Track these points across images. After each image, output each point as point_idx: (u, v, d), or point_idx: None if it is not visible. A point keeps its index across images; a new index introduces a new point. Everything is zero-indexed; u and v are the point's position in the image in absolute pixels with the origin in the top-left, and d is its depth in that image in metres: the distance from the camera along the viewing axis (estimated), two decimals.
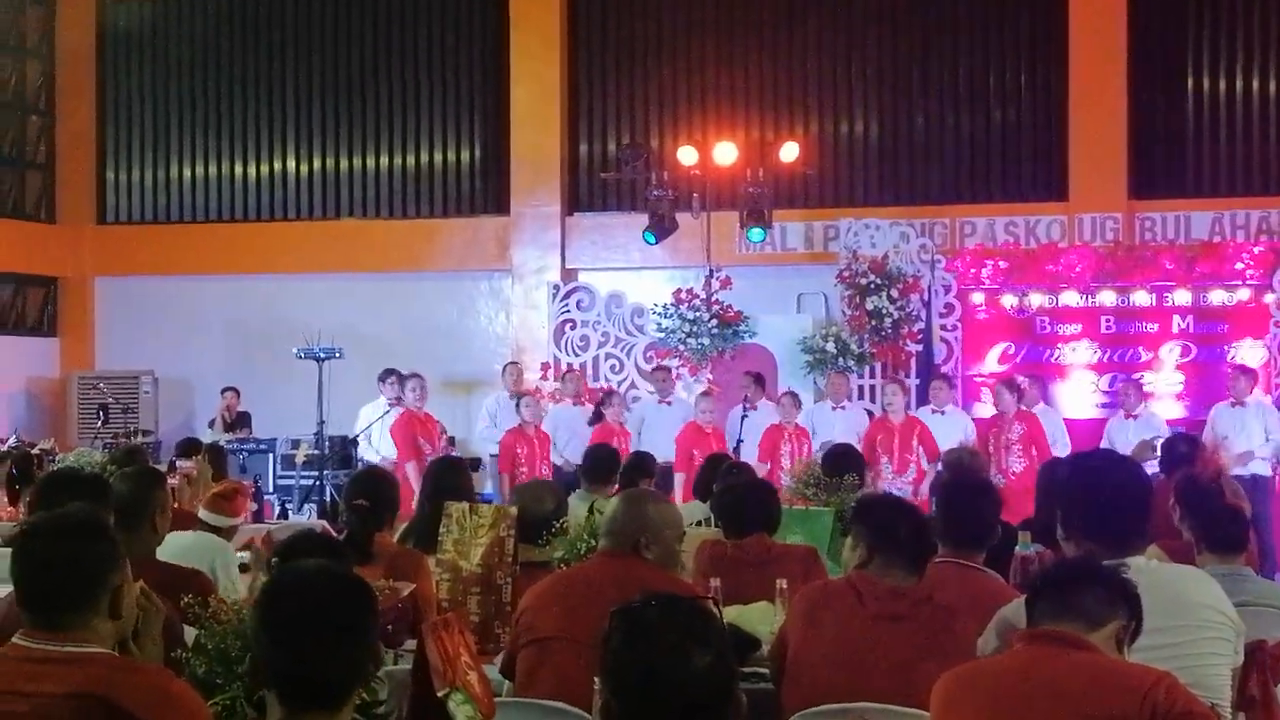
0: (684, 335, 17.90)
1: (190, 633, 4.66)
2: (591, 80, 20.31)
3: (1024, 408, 15.63)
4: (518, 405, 16.28)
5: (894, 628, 5.13)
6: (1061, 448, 14.92)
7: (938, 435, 15.02)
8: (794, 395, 16.17)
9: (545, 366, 18.70)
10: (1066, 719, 3.82)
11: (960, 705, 3.97)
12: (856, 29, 19.71)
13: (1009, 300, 17.86)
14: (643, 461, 10.49)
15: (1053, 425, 15.66)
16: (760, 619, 6.38)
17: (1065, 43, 18.79)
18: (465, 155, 20.62)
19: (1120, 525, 4.71)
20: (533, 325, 19.59)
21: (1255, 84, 18.74)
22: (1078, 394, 17.56)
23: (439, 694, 4.23)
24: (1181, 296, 17.40)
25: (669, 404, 16.90)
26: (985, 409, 16.56)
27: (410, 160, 20.74)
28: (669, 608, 3.17)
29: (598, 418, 16.07)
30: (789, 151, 18.09)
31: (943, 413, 15.74)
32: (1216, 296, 17.34)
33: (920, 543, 5.26)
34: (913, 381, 17.39)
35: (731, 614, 6.18)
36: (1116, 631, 4.03)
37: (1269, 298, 17.11)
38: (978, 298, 18.00)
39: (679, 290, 18.16)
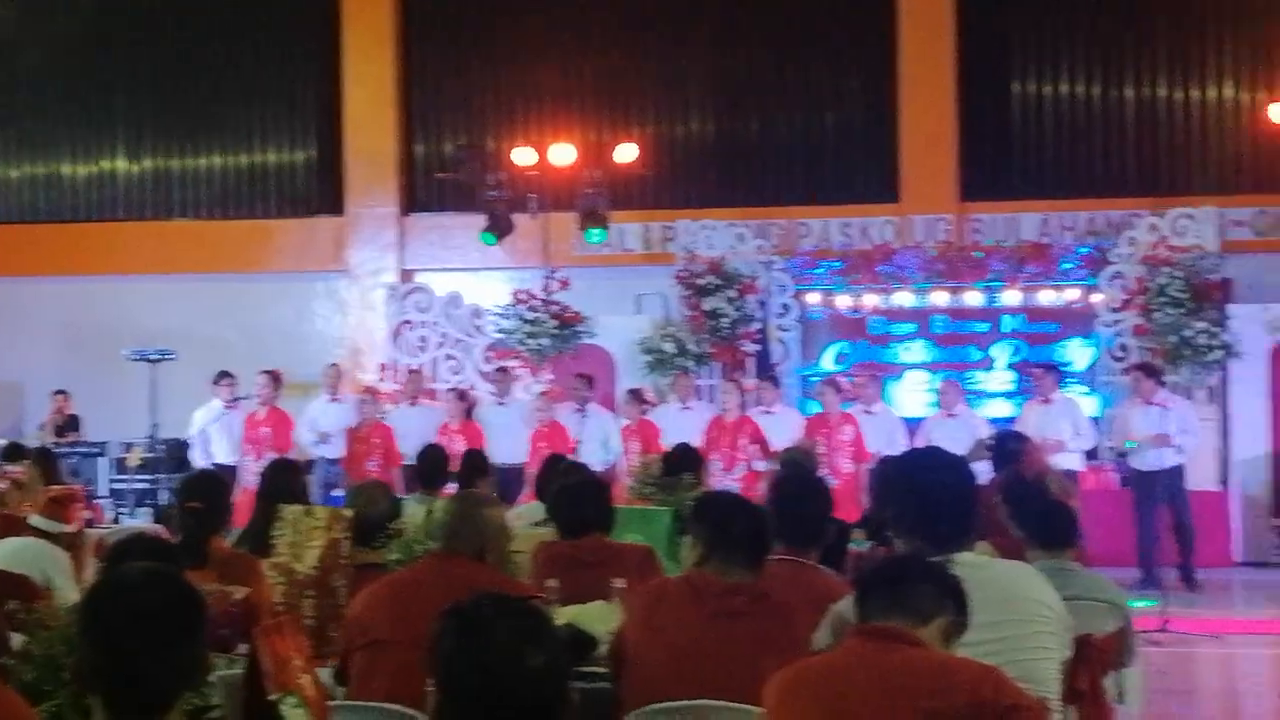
0: (523, 336, 17.88)
1: (18, 638, 4.57)
2: (426, 80, 20.22)
3: (864, 407, 15.85)
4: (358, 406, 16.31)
5: (731, 625, 5.15)
6: (899, 447, 15.11)
7: (769, 434, 15.17)
8: (636, 393, 16.25)
9: (383, 367, 18.57)
10: (897, 713, 3.84)
11: (793, 702, 4.00)
12: (692, 31, 19.81)
13: (844, 300, 18.06)
14: (479, 461, 10.44)
15: (890, 425, 15.86)
16: (598, 618, 6.38)
17: (895, 47, 19.03)
18: (300, 155, 20.42)
19: (947, 522, 4.77)
20: (370, 326, 19.46)
21: (1080, 88, 19.14)
22: (911, 393, 17.81)
23: (271, 698, 4.18)
24: (1011, 296, 17.72)
25: (505, 405, 16.90)
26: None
27: (244, 160, 20.49)
28: (501, 608, 3.16)
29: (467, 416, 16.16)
30: (626, 153, 18.12)
31: (772, 412, 15.90)
32: (1045, 296, 17.68)
33: (757, 541, 5.29)
34: (751, 381, 17.52)
35: (569, 614, 6.18)
36: (944, 627, 4.08)
37: (1096, 297, 17.47)
38: (813, 298, 18.18)
39: (518, 291, 18.15)
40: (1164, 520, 14.98)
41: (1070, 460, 15.45)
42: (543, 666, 3.09)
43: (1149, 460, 14.97)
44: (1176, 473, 15.04)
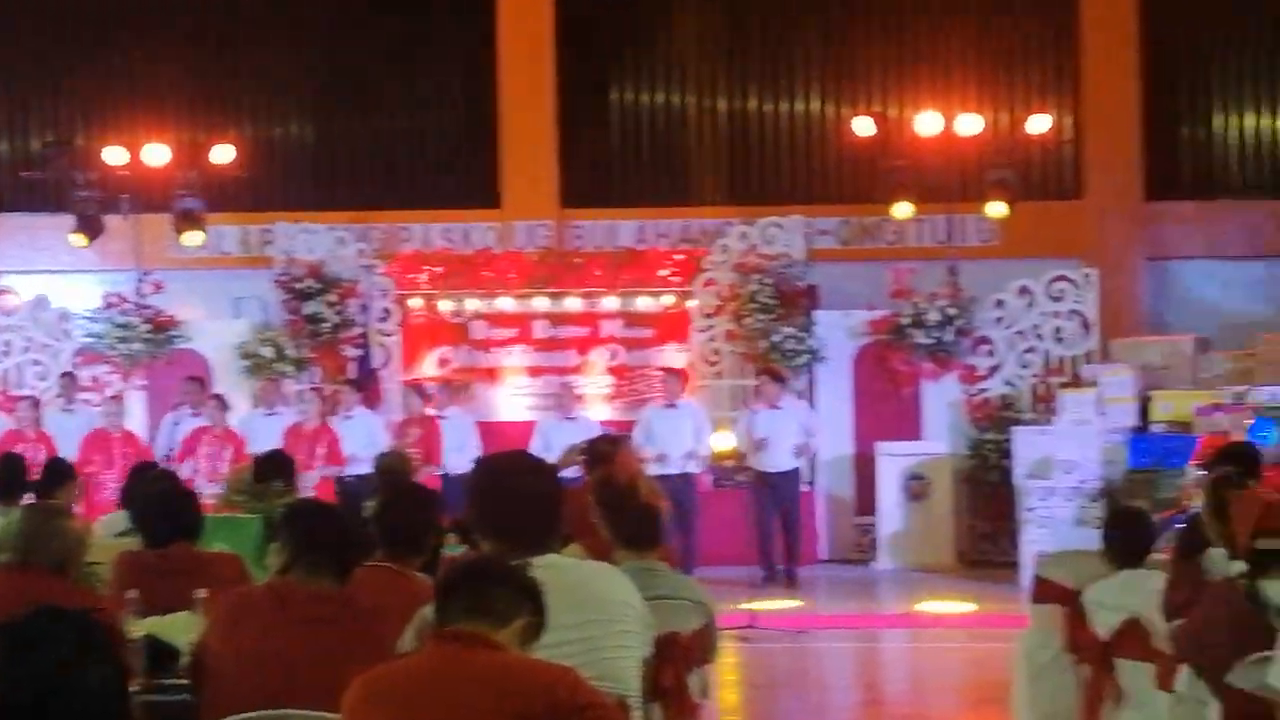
0: (114, 340, 17.36)
1: None
2: (12, 74, 19.41)
3: (433, 412, 15.97)
4: None
5: (316, 632, 5.10)
6: (472, 451, 15.19)
7: (348, 438, 15.14)
8: (219, 399, 15.97)
9: None
10: (474, 717, 3.87)
11: (371, 707, 3.97)
12: (291, 30, 19.56)
13: (446, 305, 18.09)
14: (62, 469, 10.10)
15: (463, 429, 16.00)
16: (183, 629, 6.23)
17: (495, 52, 19.14)
18: None
19: (526, 524, 4.80)
20: None
21: (676, 98, 19.58)
22: (511, 398, 17.95)
23: None
24: (610, 302, 18.03)
25: (73, 410, 16.46)
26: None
27: None
28: (56, 621, 3.06)
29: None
30: (222, 153, 17.76)
31: (350, 417, 15.87)
32: (643, 302, 18.04)
33: (343, 548, 5.25)
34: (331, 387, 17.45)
35: (151, 625, 6.03)
36: (523, 629, 4.11)
37: (691, 304, 17.91)
38: (415, 302, 18.16)
39: (109, 294, 17.61)
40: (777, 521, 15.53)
41: (691, 463, 15.82)
42: (99, 681, 3.01)
43: (769, 462, 15.46)
44: (794, 475, 15.57)
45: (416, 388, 16.16)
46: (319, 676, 4.92)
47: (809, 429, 15.80)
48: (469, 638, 4.00)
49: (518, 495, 4.86)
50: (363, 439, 15.42)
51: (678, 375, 16.55)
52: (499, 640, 4.04)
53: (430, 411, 16.10)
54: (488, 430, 16.77)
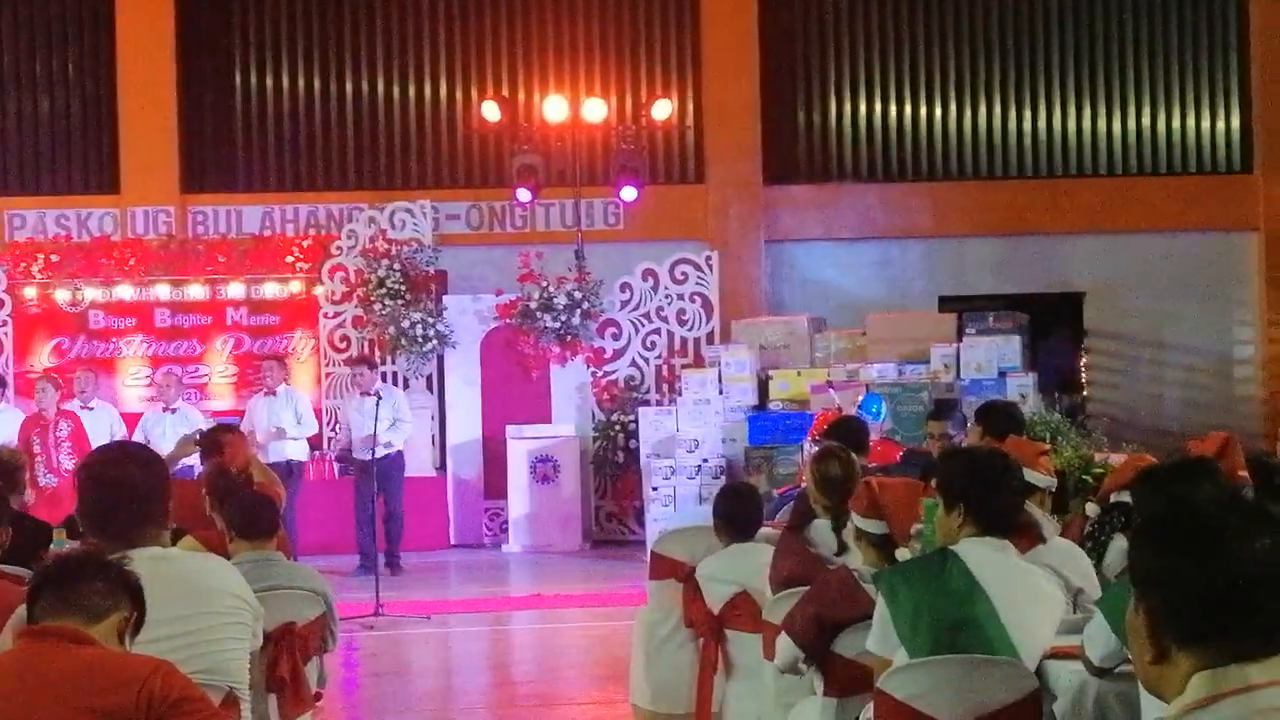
0: None
1: None
2: None
3: (73, 405, 15.42)
4: None
5: None
6: None
7: None
8: None
9: None
10: (64, 714, 3.78)
11: None
12: None
13: (62, 294, 17.55)
14: None
15: (109, 419, 15.52)
16: None
17: (113, 34, 18.62)
18: None
19: (123, 517, 4.73)
20: None
21: (302, 81, 19.35)
22: (131, 388, 17.52)
23: None
24: (235, 289, 17.73)
25: None
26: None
27: None
28: None
29: None
30: None
31: None
32: (269, 289, 17.79)
33: None
34: None
35: None
36: (119, 624, 4.03)
37: (319, 290, 17.74)
38: (30, 292, 17.56)
39: None
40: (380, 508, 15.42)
41: (295, 450, 15.63)
42: None
43: (366, 449, 15.32)
44: (393, 461, 15.48)
45: (52, 380, 15.51)
46: None
47: (399, 415, 15.64)
48: (57, 633, 3.91)
49: (114, 486, 4.77)
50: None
51: (278, 361, 16.28)
52: (91, 635, 3.95)
53: (68, 406, 15.47)
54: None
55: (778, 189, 19.55)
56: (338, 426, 16.74)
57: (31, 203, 18.39)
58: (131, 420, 16.22)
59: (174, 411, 15.53)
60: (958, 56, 19.92)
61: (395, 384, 16.96)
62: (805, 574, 6.34)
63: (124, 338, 17.69)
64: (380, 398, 14.50)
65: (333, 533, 15.66)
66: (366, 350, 17.06)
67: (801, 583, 6.23)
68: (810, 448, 12.19)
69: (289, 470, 15.21)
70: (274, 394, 15.70)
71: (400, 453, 15.56)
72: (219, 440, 8.42)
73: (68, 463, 14.73)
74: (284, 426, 15.46)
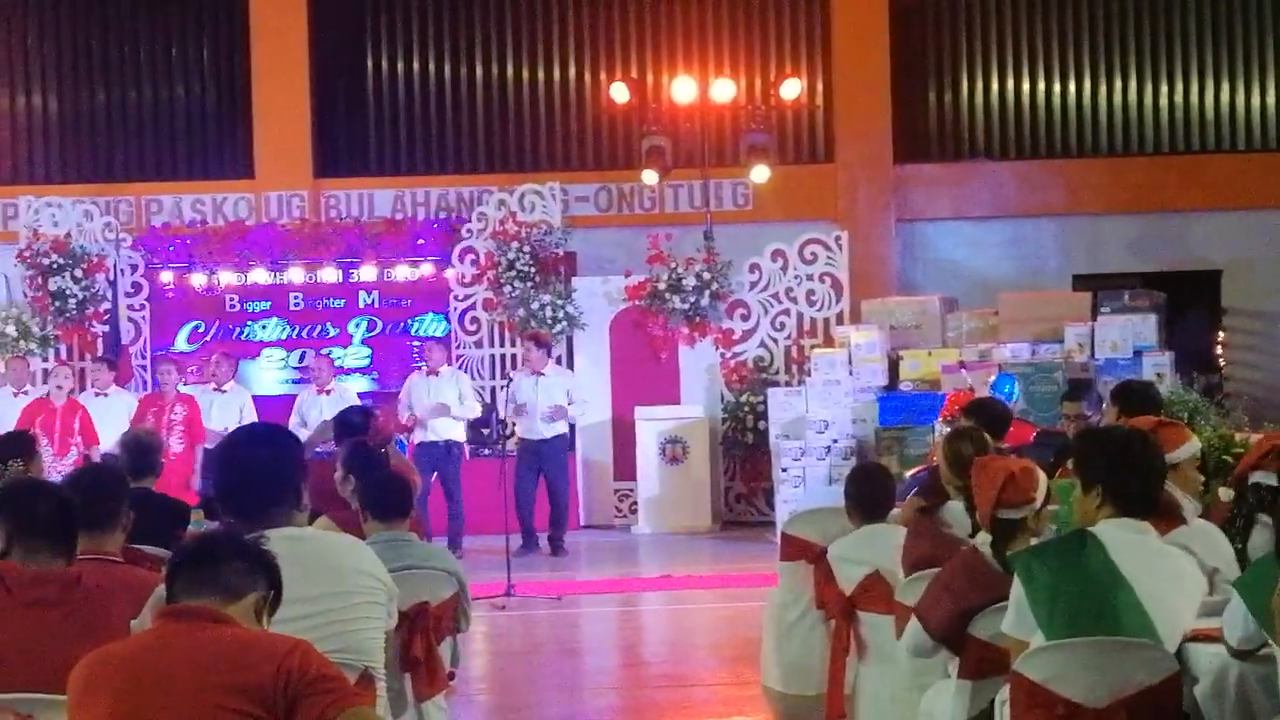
0: None
1: None
2: None
3: (216, 386, 15.67)
4: None
5: (44, 613, 5.00)
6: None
7: (101, 417, 14.77)
8: None
9: None
10: (203, 692, 3.82)
11: (97, 687, 3.91)
12: (32, 2, 19.05)
13: (198, 279, 17.80)
14: None
15: (240, 402, 15.72)
16: None
17: (247, 20, 18.85)
18: None
19: (258, 498, 4.77)
20: None
21: (433, 65, 19.48)
22: (267, 371, 17.74)
23: None
24: (367, 273, 17.88)
25: None
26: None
27: None
28: None
29: None
30: None
31: (105, 395, 15.51)
32: (400, 272, 17.92)
33: (62, 527, 5.14)
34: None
35: None
36: (256, 603, 4.07)
37: (449, 272, 17.85)
38: (166, 276, 17.84)
39: None
40: (541, 488, 15.50)
41: (454, 430, 15.73)
42: None
43: (531, 428, 15.43)
44: (559, 442, 15.58)
45: (175, 363, 15.81)
46: (48, 659, 4.83)
47: (571, 395, 15.78)
48: (196, 613, 3.95)
49: (250, 467, 4.83)
50: (119, 417, 14.99)
51: (440, 343, 16.46)
52: (229, 615, 4.00)
53: (185, 389, 15.73)
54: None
55: (908, 167, 19.39)
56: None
57: (169, 189, 18.67)
58: (265, 403, 16.42)
59: (329, 393, 15.72)
60: (1091, 31, 19.64)
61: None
62: (938, 555, 6.29)
63: (258, 321, 17.92)
64: (542, 375, 14.73)
65: (492, 512, 15.67)
66: (529, 331, 16.95)
67: (934, 564, 6.18)
68: (942, 428, 12.12)
69: (447, 451, 15.40)
70: (436, 373, 15.82)
71: (564, 435, 15.67)
72: (356, 422, 8.50)
73: (177, 445, 14.92)
74: (448, 404, 15.52)
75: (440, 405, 15.51)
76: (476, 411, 16.17)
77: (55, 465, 14.10)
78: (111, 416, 14.80)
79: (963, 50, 19.77)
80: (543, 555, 15.22)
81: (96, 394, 15.50)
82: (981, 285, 18.19)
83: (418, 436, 15.57)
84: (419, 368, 16.42)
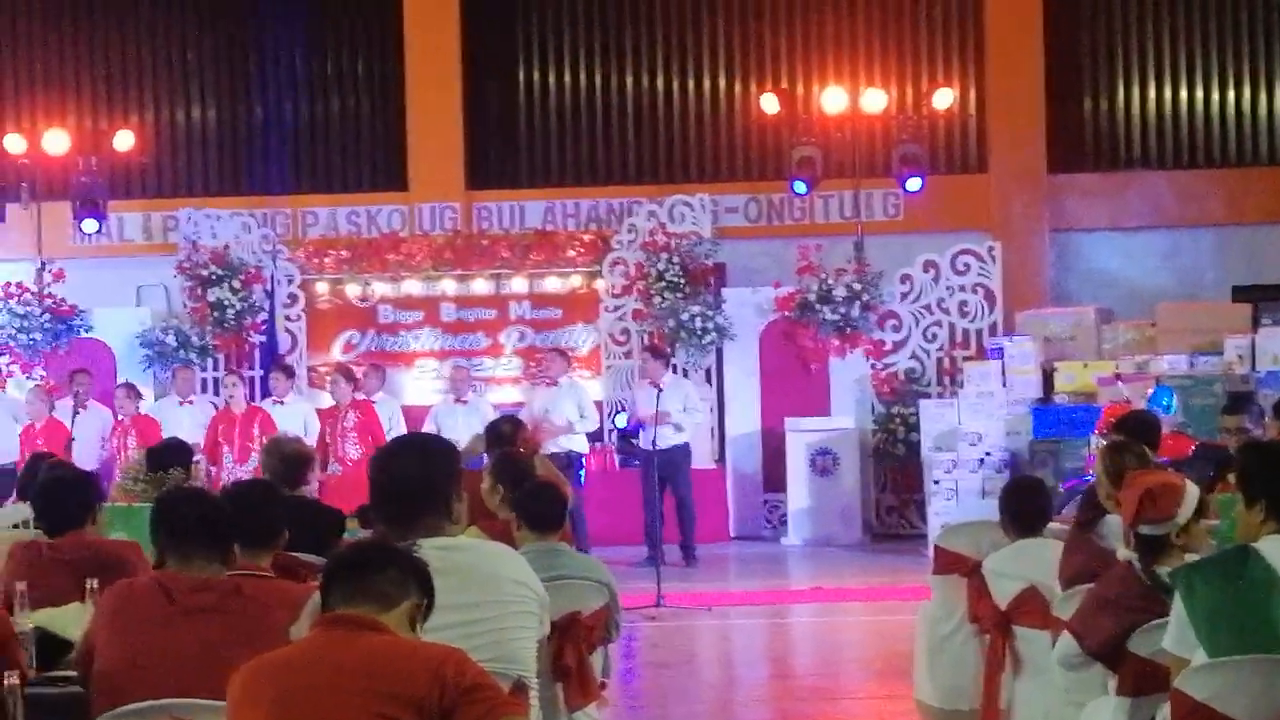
0: (14, 331, 17.18)
1: None
2: None
3: (361, 396, 15.83)
4: None
5: (204, 620, 5.07)
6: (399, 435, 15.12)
7: (280, 425, 14.97)
8: (129, 387, 15.85)
9: None
10: (359, 699, 3.85)
11: (255, 696, 3.95)
12: (190, 15, 19.40)
13: (352, 289, 18.02)
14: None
15: (389, 412, 15.90)
16: (74, 620, 6.16)
17: (400, 33, 19.06)
18: None
19: (409, 507, 4.80)
20: None
21: (583, 78, 19.56)
22: (421, 381, 17.91)
23: None
24: (518, 284, 18.00)
25: None
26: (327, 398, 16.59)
27: None
28: None
29: None
30: (124, 140, 17.66)
31: (283, 403, 15.76)
32: (551, 283, 18.02)
33: (214, 534, 5.21)
34: (257, 373, 17.37)
35: (42, 616, 5.95)
36: (409, 611, 4.10)
37: (599, 284, 17.91)
38: (321, 287, 18.08)
39: (8, 284, 17.47)
40: (667, 498, 15.47)
41: (575, 442, 15.78)
42: None
43: (653, 439, 15.40)
44: (679, 451, 15.54)
45: (344, 372, 16.02)
46: (207, 667, 4.89)
47: (689, 405, 15.67)
48: (352, 621, 3.98)
49: (403, 477, 4.85)
50: (296, 425, 15.18)
51: (560, 354, 16.45)
52: (384, 623, 4.02)
53: (360, 396, 15.95)
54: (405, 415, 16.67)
55: (1062, 177, 19.12)
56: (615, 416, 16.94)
57: (324, 201, 18.91)
58: (415, 413, 16.57)
59: (465, 404, 15.82)
60: (1251, 38, 19.26)
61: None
62: (1095, 570, 6.19)
63: (411, 331, 18.09)
64: (661, 389, 14.61)
65: (614, 524, 15.75)
66: (646, 342, 17.03)
67: (1091, 579, 6.08)
68: (1098, 441, 11.92)
69: (568, 462, 15.36)
70: (555, 384, 15.87)
71: (686, 444, 15.62)
72: (506, 432, 8.55)
73: (354, 452, 15.14)
74: (566, 418, 15.55)
75: (557, 420, 15.46)
76: (595, 425, 16.15)
77: (234, 472, 14.39)
78: (290, 424, 15.00)
79: (1119, 57, 19.47)
80: (677, 566, 15.04)
81: (274, 402, 15.77)
82: (1137, 297, 17.90)
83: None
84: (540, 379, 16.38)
